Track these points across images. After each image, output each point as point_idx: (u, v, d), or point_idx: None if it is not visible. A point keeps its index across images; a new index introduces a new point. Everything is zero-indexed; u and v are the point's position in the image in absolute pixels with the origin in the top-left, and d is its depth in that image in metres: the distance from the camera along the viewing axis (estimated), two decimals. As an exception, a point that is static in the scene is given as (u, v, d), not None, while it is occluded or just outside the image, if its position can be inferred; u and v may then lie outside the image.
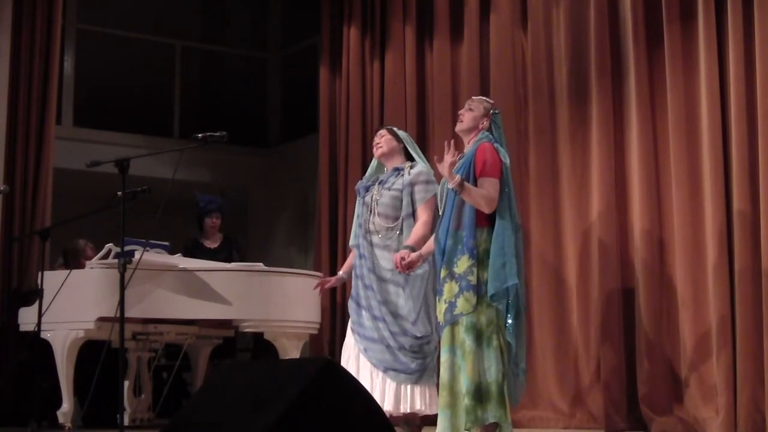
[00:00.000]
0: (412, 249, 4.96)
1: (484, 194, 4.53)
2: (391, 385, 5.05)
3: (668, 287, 5.83)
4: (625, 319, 6.00)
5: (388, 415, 4.97)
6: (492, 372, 4.45)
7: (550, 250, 6.45)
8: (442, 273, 4.61)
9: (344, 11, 8.09)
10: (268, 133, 10.41)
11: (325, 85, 8.22)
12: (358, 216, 5.37)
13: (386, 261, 5.15)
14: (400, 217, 5.19)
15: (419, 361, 5.06)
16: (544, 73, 6.66)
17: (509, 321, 4.49)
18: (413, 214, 5.20)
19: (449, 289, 4.55)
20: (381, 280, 5.16)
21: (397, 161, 5.33)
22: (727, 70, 5.57)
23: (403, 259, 4.90)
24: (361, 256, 5.25)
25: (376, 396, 4.97)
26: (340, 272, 5.53)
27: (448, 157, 4.56)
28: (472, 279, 4.50)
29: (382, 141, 5.35)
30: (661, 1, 5.91)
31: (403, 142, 5.36)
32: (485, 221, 4.57)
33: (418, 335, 5.07)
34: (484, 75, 7.03)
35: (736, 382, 5.33)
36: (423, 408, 5.05)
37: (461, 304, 4.49)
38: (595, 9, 6.27)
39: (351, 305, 5.27)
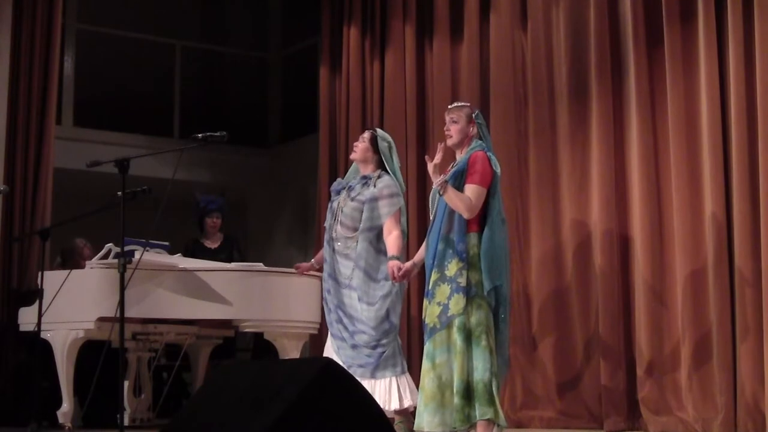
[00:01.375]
0: (399, 258, 5.08)
1: (464, 199, 4.63)
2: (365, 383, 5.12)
3: (668, 287, 5.83)
4: (624, 319, 6.00)
5: (404, 409, 5.15)
6: (479, 371, 4.55)
7: (550, 250, 6.45)
8: (434, 276, 4.70)
9: (344, 11, 8.09)
10: (268, 133, 10.41)
11: (325, 85, 8.22)
12: (326, 219, 5.47)
13: (345, 268, 5.30)
14: (358, 229, 5.26)
15: (376, 355, 5.18)
16: (544, 73, 6.66)
17: (502, 315, 4.66)
18: (373, 229, 5.26)
19: (441, 291, 4.64)
20: (338, 284, 5.31)
21: (369, 169, 5.39)
22: (727, 70, 5.57)
23: (399, 269, 4.99)
24: (325, 260, 5.41)
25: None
26: (312, 260, 5.70)
27: (438, 157, 4.67)
28: (462, 281, 4.60)
29: (359, 148, 5.41)
30: (661, 1, 5.91)
31: (379, 153, 5.37)
32: (476, 227, 4.66)
33: (374, 334, 5.18)
34: (484, 75, 7.03)
35: (736, 382, 5.34)
36: (381, 403, 5.08)
37: (453, 306, 4.60)
38: (595, 9, 6.27)
39: (324, 307, 5.45)
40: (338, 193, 5.45)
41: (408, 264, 5.02)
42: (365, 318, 5.19)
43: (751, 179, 5.39)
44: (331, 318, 5.35)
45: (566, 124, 6.47)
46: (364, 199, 5.28)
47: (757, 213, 5.34)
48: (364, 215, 5.26)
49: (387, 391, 5.15)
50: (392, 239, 5.19)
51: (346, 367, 5.07)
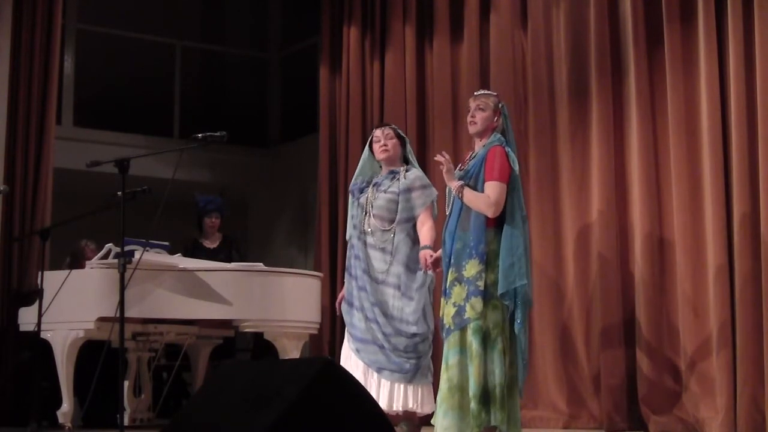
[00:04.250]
0: (431, 248, 4.98)
1: (485, 199, 4.56)
2: (384, 385, 5.07)
3: (668, 287, 5.83)
4: (625, 319, 6.00)
5: (412, 412, 5.07)
6: (496, 375, 4.48)
7: (550, 250, 6.45)
8: (450, 276, 4.60)
9: (344, 11, 8.09)
10: (268, 133, 10.41)
11: (325, 85, 8.22)
12: (352, 217, 5.36)
13: (380, 262, 5.18)
14: (395, 221, 5.20)
15: (413, 361, 5.07)
16: (544, 73, 6.66)
17: (518, 320, 4.52)
18: (410, 220, 5.20)
19: (458, 292, 4.56)
20: (374, 281, 5.17)
21: (395, 165, 5.32)
22: (727, 70, 5.57)
23: (431, 256, 4.90)
24: (355, 257, 5.26)
25: (383, 395, 5.04)
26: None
27: (449, 165, 4.63)
28: (480, 284, 4.51)
29: (390, 145, 5.29)
30: (661, 1, 5.91)
31: (405, 148, 5.34)
32: (493, 222, 4.57)
33: (413, 333, 5.07)
34: (484, 75, 7.02)
35: (736, 382, 5.33)
36: (415, 407, 5.06)
37: (468, 310, 4.51)
38: (595, 9, 6.27)
39: (344, 306, 5.28)
40: (361, 191, 5.35)
41: (439, 252, 4.85)
42: (405, 315, 5.07)
43: (751, 179, 5.39)
44: (355, 316, 5.17)
45: (566, 124, 6.47)
46: (398, 190, 5.20)
47: (757, 212, 5.34)
48: (400, 206, 5.18)
49: (421, 395, 5.07)
50: (426, 230, 5.11)
51: (375, 370, 5.06)
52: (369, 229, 5.23)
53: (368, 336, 5.12)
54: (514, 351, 4.57)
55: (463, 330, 4.56)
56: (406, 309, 5.10)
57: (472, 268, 4.53)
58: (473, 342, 4.50)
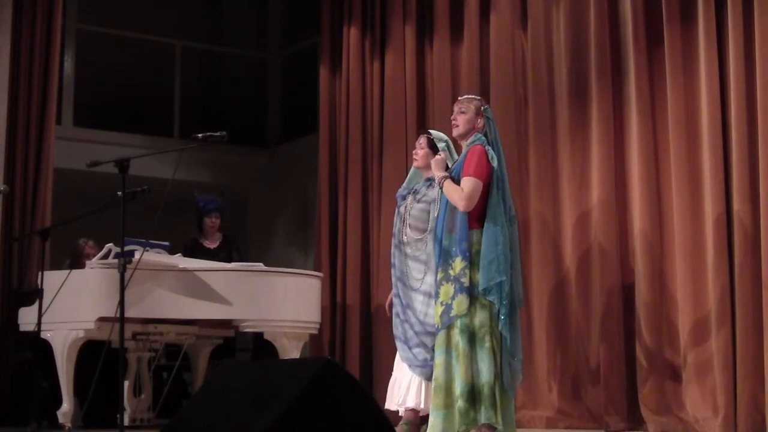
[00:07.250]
0: None
1: (458, 190, 4.63)
2: (414, 381, 5.20)
3: (668, 287, 5.83)
4: (625, 318, 6.00)
5: (412, 411, 5.18)
6: (485, 373, 4.51)
7: (549, 250, 6.45)
8: (439, 275, 4.68)
9: (344, 11, 8.09)
10: (268, 133, 10.41)
11: (325, 85, 8.22)
12: (394, 224, 5.50)
13: (417, 271, 5.33)
14: (427, 230, 5.28)
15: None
16: (544, 73, 6.66)
17: (502, 316, 4.56)
18: None
19: (445, 291, 4.62)
20: (407, 288, 5.33)
21: (431, 172, 5.36)
22: (727, 70, 5.57)
23: None
24: (392, 265, 5.44)
25: (411, 392, 5.18)
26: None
27: (443, 158, 4.81)
28: (465, 281, 4.58)
29: (420, 155, 5.42)
30: (661, 1, 5.91)
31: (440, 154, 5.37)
32: (477, 223, 4.64)
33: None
34: (484, 75, 7.03)
35: (736, 382, 5.34)
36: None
37: (455, 307, 4.56)
38: (595, 9, 6.27)
39: (394, 319, 5.45)
40: (404, 198, 5.49)
41: None
42: (433, 320, 5.11)
43: (751, 179, 5.39)
44: (397, 320, 5.36)
45: (566, 124, 6.47)
46: (430, 199, 5.32)
47: (757, 213, 5.34)
48: (431, 215, 5.27)
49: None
50: None
51: (407, 367, 5.20)
52: (405, 239, 5.39)
53: (403, 335, 5.30)
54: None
55: (449, 329, 4.62)
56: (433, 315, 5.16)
57: (457, 266, 4.60)
58: (460, 341, 4.55)
